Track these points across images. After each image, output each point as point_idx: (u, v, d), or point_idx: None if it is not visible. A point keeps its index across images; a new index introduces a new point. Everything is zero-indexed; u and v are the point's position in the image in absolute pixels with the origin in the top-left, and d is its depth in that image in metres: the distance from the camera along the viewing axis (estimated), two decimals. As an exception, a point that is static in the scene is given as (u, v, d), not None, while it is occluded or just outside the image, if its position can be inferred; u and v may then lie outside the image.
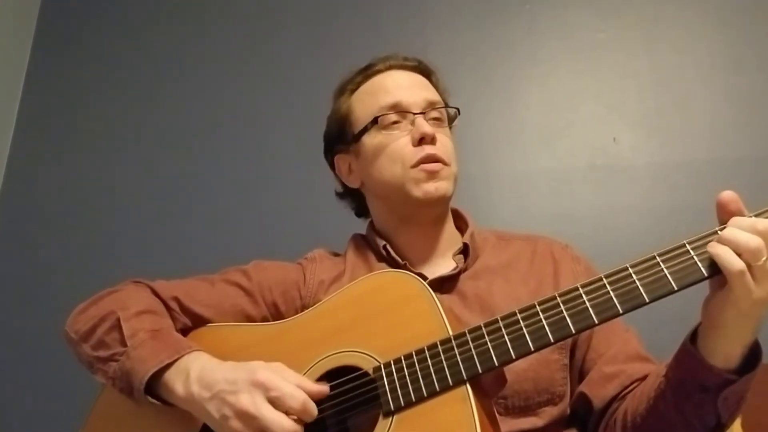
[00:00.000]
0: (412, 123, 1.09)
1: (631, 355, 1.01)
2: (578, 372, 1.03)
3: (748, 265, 0.71)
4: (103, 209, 2.08)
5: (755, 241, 0.71)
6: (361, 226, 1.23)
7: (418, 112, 1.09)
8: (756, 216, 0.75)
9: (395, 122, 1.10)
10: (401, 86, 1.12)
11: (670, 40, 1.97)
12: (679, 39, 1.96)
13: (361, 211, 1.23)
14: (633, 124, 1.92)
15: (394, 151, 1.08)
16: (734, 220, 0.74)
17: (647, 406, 0.89)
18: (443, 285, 1.04)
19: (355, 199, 1.23)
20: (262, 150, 2.07)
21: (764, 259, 0.71)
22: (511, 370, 0.89)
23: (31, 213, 2.12)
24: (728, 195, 0.76)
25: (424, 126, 1.07)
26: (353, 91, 1.17)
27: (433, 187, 1.06)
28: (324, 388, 0.85)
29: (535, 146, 1.95)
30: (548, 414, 0.97)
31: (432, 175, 1.06)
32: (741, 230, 0.73)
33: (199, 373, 0.88)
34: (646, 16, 2.00)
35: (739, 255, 0.72)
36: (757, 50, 1.90)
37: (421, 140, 1.07)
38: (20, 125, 2.24)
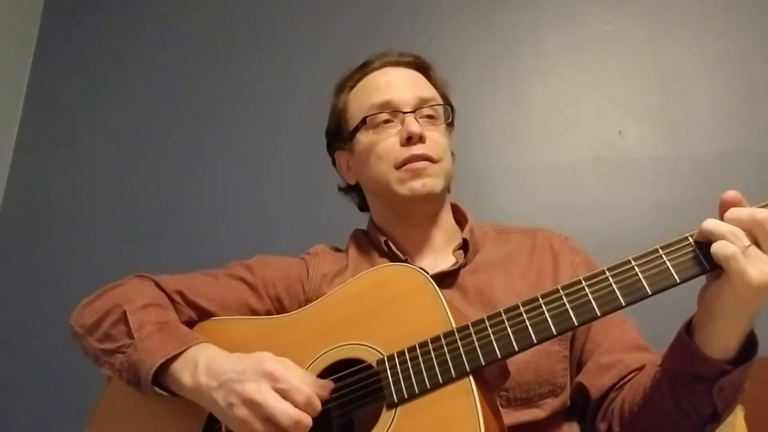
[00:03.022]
0: (403, 122, 1.09)
1: (628, 345, 1.01)
2: (576, 362, 1.04)
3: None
4: (106, 204, 2.09)
5: (724, 226, 0.73)
6: (361, 221, 1.23)
7: (408, 110, 1.09)
8: (759, 208, 0.75)
9: (386, 121, 1.10)
10: (393, 84, 1.12)
11: (675, 33, 1.96)
12: (684, 32, 1.96)
13: (364, 205, 1.24)
14: (638, 117, 1.91)
15: (383, 149, 1.09)
16: (732, 211, 0.75)
17: (644, 396, 0.89)
18: (444, 280, 1.04)
19: (358, 193, 1.23)
20: (265, 145, 2.07)
21: (748, 244, 0.72)
22: (513, 362, 0.90)
23: (35, 208, 2.14)
24: (731, 194, 0.76)
25: (412, 125, 1.07)
26: (351, 88, 1.18)
27: (419, 184, 1.06)
28: (328, 385, 0.85)
29: (539, 140, 1.94)
30: (550, 405, 0.98)
31: (417, 173, 1.06)
32: (736, 219, 0.73)
33: (207, 363, 0.89)
34: (651, 9, 1.99)
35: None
36: (763, 44, 1.89)
37: (409, 139, 1.07)
38: (25, 122, 2.25)
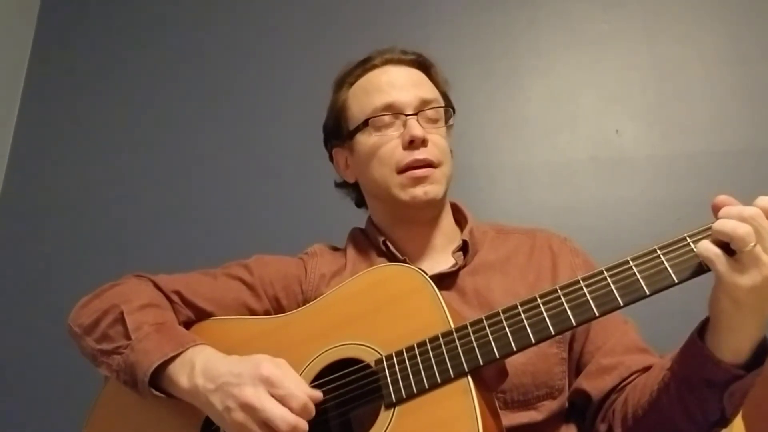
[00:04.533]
0: (405, 124, 1.08)
1: (629, 347, 1.01)
2: (576, 365, 1.03)
3: (737, 252, 0.72)
4: (104, 204, 2.09)
5: (742, 228, 0.72)
6: (359, 220, 1.23)
7: (410, 113, 1.08)
8: None
9: (388, 123, 1.09)
10: (396, 85, 1.11)
11: (672, 32, 1.96)
12: (681, 31, 1.96)
13: (361, 202, 1.23)
14: (635, 116, 1.91)
15: (384, 153, 1.08)
16: (723, 210, 0.75)
17: (650, 398, 0.89)
18: (442, 281, 1.04)
19: (355, 190, 1.22)
20: (263, 144, 2.07)
21: (752, 244, 0.71)
22: (510, 364, 0.89)
23: (32, 207, 2.13)
24: (723, 199, 0.76)
25: (415, 129, 1.06)
26: (351, 84, 1.16)
27: (421, 192, 1.06)
28: (318, 394, 0.85)
29: (537, 138, 1.94)
30: (547, 408, 0.97)
31: (419, 180, 1.06)
32: (729, 218, 0.73)
33: (204, 365, 0.88)
34: (648, 7, 1.99)
35: (729, 243, 0.73)
36: (760, 43, 1.90)
37: (411, 143, 1.06)
38: (21, 120, 2.24)
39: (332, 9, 2.18)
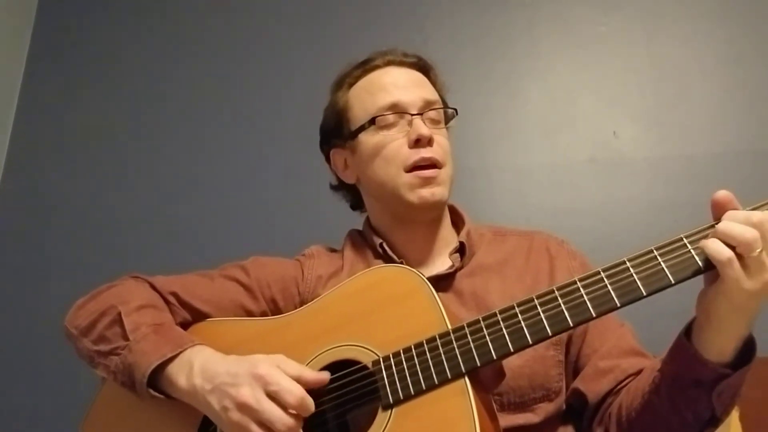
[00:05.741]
0: (410, 123, 1.08)
1: (625, 350, 1.00)
2: (573, 368, 1.03)
3: (741, 256, 0.72)
4: (101, 205, 2.09)
5: (750, 233, 0.71)
6: (357, 220, 1.23)
7: (415, 113, 1.08)
8: (752, 210, 0.75)
9: (393, 122, 1.09)
10: (399, 85, 1.11)
11: (671, 33, 1.97)
12: (680, 33, 1.96)
13: (356, 204, 1.23)
14: (633, 118, 1.92)
15: (390, 152, 1.07)
16: (729, 213, 0.75)
17: (642, 400, 0.89)
18: (439, 283, 1.04)
19: (350, 192, 1.22)
20: (261, 144, 2.07)
21: (759, 250, 0.71)
22: (507, 367, 0.89)
23: (29, 208, 2.13)
24: (723, 194, 0.76)
25: (421, 128, 1.06)
26: (351, 85, 1.16)
27: (429, 193, 1.05)
28: (324, 376, 0.86)
29: (535, 140, 1.95)
30: (544, 410, 0.97)
31: (427, 181, 1.06)
32: (736, 222, 0.73)
33: (202, 365, 0.89)
34: (647, 9, 2.00)
35: (734, 247, 0.72)
36: (758, 44, 1.90)
37: (418, 142, 1.06)
38: (19, 121, 2.24)
39: (330, 11, 2.18)
